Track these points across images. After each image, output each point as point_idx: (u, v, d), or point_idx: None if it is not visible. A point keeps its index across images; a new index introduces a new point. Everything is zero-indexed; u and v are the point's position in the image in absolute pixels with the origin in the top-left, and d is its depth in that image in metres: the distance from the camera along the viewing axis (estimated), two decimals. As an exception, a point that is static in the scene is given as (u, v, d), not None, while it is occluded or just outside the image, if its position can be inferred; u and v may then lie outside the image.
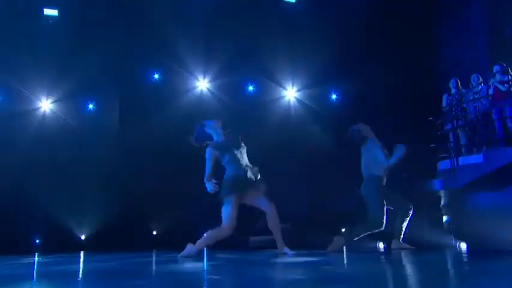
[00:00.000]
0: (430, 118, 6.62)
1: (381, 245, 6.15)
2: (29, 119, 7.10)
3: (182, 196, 6.81)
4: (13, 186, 6.61)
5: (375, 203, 4.73)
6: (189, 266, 3.27)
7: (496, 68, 6.15)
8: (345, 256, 4.14)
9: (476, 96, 6.31)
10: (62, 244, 6.45)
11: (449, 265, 2.88)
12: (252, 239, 6.29)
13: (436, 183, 6.29)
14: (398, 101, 7.00)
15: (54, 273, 2.94)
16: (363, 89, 7.02)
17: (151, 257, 4.71)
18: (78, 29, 6.83)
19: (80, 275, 2.78)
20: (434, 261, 3.30)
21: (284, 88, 7.62)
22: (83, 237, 7.18)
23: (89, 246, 6.80)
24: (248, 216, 6.33)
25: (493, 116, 6.09)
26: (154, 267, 3.35)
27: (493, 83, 6.16)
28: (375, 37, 6.93)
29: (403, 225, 5.06)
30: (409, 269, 2.57)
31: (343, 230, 7.07)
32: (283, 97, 7.66)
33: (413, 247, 4.88)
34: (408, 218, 5.06)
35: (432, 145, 6.61)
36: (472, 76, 6.41)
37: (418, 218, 5.86)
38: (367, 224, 4.88)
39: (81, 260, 4.55)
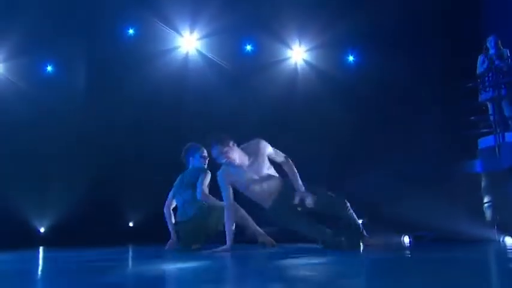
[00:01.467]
0: (470, 85, 6.09)
1: (406, 239, 5.60)
2: None
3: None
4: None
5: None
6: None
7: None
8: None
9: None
10: (16, 238, 5.99)
11: (487, 265, 2.71)
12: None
13: (475, 165, 5.85)
14: (428, 63, 6.49)
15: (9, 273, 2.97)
16: (386, 48, 6.44)
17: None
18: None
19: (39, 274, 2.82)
20: (469, 259, 3.03)
21: (289, 47, 6.97)
22: (42, 229, 6.71)
23: (49, 241, 6.33)
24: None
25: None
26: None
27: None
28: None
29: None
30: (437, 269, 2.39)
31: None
32: (288, 58, 7.00)
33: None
34: None
35: (472, 117, 6.11)
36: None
37: (455, 207, 5.45)
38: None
39: (40, 256, 4.51)
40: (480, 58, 6.00)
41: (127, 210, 6.77)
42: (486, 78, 5.91)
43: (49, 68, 6.73)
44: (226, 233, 3.83)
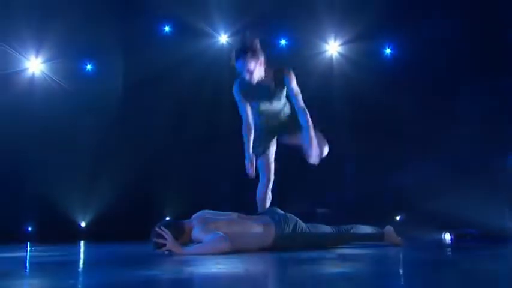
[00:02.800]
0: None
1: (448, 236, 5.40)
2: (14, 82, 6.43)
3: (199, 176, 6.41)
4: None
5: None
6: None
7: None
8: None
9: None
10: (57, 232, 6.07)
11: None
12: (320, 211, 6.17)
13: None
14: (470, 56, 6.19)
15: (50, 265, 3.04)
16: (425, 40, 6.24)
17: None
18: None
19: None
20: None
21: (325, 42, 6.78)
22: (83, 224, 6.71)
23: (90, 235, 6.39)
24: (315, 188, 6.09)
25: None
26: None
27: None
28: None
29: None
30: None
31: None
32: (323, 52, 6.80)
33: None
34: None
35: None
36: None
37: (498, 204, 5.35)
38: None
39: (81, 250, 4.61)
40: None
41: (166, 205, 6.61)
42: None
43: (88, 67, 6.69)
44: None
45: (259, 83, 3.73)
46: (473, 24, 6.14)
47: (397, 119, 6.29)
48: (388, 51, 6.79)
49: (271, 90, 3.81)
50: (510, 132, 5.91)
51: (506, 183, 5.57)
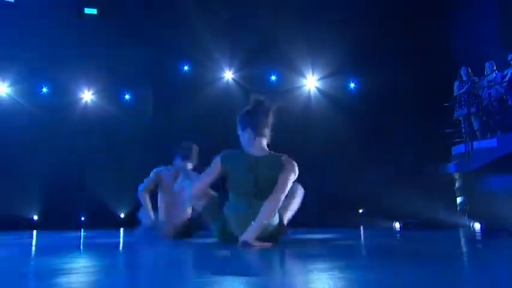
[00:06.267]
0: (446, 104, 6.52)
1: (397, 225, 6.13)
2: (72, 109, 7.37)
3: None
4: (65, 170, 6.89)
5: None
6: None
7: (510, 57, 5.98)
8: (361, 233, 4.08)
9: (491, 84, 6.17)
10: (103, 221, 6.64)
11: (463, 243, 2.86)
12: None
13: (450, 167, 6.23)
14: (413, 89, 6.86)
15: (97, 246, 3.11)
16: (379, 78, 6.83)
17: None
18: (117, 26, 6.95)
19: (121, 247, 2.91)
20: (448, 239, 3.27)
21: (304, 77, 7.53)
22: (122, 215, 7.36)
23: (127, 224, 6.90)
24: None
25: (509, 102, 5.93)
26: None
27: (509, 71, 5.97)
28: (390, 27, 6.74)
29: None
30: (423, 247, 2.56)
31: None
32: (303, 86, 7.58)
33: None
34: None
35: (448, 130, 6.52)
36: (487, 64, 6.34)
37: (433, 200, 5.96)
38: None
39: (121, 235, 4.61)
40: (456, 84, 6.35)
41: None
42: (462, 99, 6.26)
43: (127, 96, 7.61)
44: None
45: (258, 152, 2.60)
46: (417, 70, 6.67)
47: (358, 136, 6.80)
48: (352, 85, 7.48)
49: (254, 162, 2.61)
50: (441, 149, 6.46)
51: (439, 185, 6.17)
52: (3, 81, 7.20)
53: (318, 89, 7.48)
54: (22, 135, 6.93)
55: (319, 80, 7.46)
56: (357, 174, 6.63)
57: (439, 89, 6.59)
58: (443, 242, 3.00)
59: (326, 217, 5.86)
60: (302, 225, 4.30)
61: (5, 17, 6.67)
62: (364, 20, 6.60)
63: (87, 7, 7.15)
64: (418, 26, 6.60)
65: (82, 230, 5.96)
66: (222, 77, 7.55)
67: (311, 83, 7.46)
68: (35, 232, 5.75)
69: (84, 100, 7.49)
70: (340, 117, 7.00)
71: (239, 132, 2.66)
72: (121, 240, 3.79)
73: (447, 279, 1.27)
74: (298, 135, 6.90)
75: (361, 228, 4.92)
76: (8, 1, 6.74)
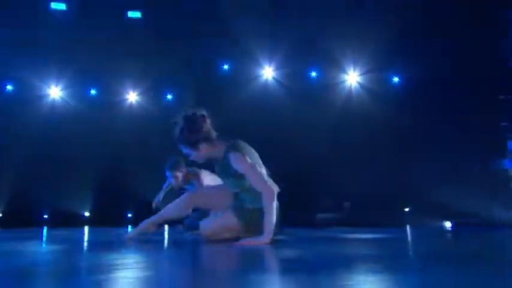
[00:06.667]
0: (502, 97, 6.16)
1: (448, 224, 5.85)
2: (118, 109, 7.67)
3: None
4: (111, 168, 7.23)
5: None
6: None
7: None
8: (408, 233, 3.91)
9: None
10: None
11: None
12: (319, 216, 6.15)
13: (506, 163, 5.93)
14: (464, 81, 6.44)
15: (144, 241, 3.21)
16: (425, 71, 6.53)
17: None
18: (159, 28, 7.11)
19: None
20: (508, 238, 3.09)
21: (346, 73, 7.29)
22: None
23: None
24: (313, 193, 6.38)
25: None
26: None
27: None
28: (438, 15, 6.40)
29: None
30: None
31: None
32: (344, 81, 7.33)
33: None
34: None
35: (503, 123, 6.16)
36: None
37: (487, 198, 5.60)
38: None
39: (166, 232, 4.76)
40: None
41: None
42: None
43: (169, 97, 7.73)
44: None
45: (213, 157, 3.00)
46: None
47: (402, 132, 6.47)
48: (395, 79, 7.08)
49: (219, 165, 2.99)
50: (500, 142, 6.10)
51: (492, 182, 5.81)
52: (56, 85, 7.56)
53: (359, 84, 7.22)
54: (73, 135, 7.28)
55: (360, 75, 7.22)
56: (403, 171, 6.36)
57: (492, 80, 6.21)
58: (504, 242, 2.87)
59: (369, 216, 5.68)
60: (347, 224, 4.52)
61: (58, 24, 6.99)
62: (410, 9, 6.26)
63: (131, 10, 7.34)
64: (469, 13, 6.18)
65: (129, 226, 6.16)
66: (262, 75, 7.47)
67: (353, 78, 7.21)
68: (86, 228, 6.01)
69: (129, 101, 7.73)
70: (384, 112, 6.74)
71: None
72: (166, 237, 3.90)
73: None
74: (339, 131, 6.76)
75: (408, 228, 4.75)
76: (61, 10, 7.07)
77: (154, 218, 3.23)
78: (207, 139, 2.94)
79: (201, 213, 4.08)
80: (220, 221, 2.98)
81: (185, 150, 2.98)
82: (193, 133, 2.93)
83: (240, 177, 2.85)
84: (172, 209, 3.11)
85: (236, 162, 2.82)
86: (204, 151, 2.95)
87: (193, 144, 2.92)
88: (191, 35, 7.05)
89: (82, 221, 7.43)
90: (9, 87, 7.48)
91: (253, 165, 2.80)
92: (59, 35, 6.94)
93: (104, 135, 7.18)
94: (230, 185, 2.96)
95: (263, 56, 7.35)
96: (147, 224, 3.25)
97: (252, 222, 2.82)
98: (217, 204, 3.06)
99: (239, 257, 2.20)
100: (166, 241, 3.44)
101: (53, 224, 7.15)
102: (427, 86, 6.50)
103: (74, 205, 7.46)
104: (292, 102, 7.08)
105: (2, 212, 7.54)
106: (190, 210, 3.20)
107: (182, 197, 3.11)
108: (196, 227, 3.66)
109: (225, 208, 2.99)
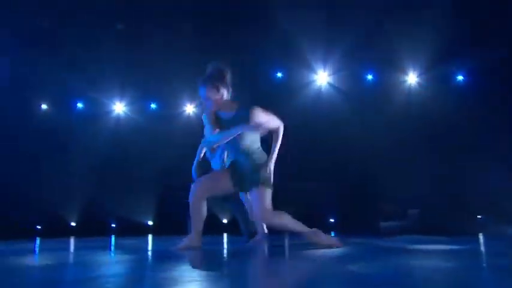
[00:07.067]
0: None
1: None
2: (176, 121, 7.97)
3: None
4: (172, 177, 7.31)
5: None
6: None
7: None
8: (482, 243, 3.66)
9: None
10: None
11: None
12: (383, 224, 6.02)
13: None
14: None
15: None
16: (490, 65, 6.17)
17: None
18: (211, 39, 7.18)
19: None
20: None
21: (405, 73, 7.01)
22: (224, 220, 7.74)
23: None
24: (377, 200, 6.21)
25: None
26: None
27: None
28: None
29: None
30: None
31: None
32: (404, 82, 7.06)
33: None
34: None
35: None
36: None
37: None
38: None
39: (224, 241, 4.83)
40: None
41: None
42: None
43: None
44: None
45: (220, 112, 3.37)
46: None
47: (474, 135, 6.14)
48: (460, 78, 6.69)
49: (228, 119, 3.34)
50: None
51: None
52: (121, 101, 8.01)
53: (418, 83, 6.93)
54: (136, 147, 7.66)
55: (420, 75, 6.92)
56: (475, 176, 5.98)
57: None
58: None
59: (437, 223, 5.40)
60: (415, 231, 4.42)
61: (116, 43, 7.34)
62: (468, 8, 5.93)
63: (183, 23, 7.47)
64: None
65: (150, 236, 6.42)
66: (315, 80, 7.39)
67: (412, 78, 6.94)
68: (150, 237, 6.20)
69: (186, 112, 7.96)
70: (450, 112, 6.44)
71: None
72: (225, 246, 4.06)
73: None
74: (400, 134, 6.55)
75: (481, 236, 4.43)
76: (118, 28, 7.42)
77: (192, 235, 3.41)
78: (227, 88, 3.40)
79: (243, 218, 4.31)
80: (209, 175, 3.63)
81: (207, 92, 3.35)
82: (219, 76, 3.38)
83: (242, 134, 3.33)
84: (195, 212, 3.33)
85: (258, 114, 3.31)
86: (221, 97, 3.36)
87: (217, 86, 3.35)
88: (242, 43, 7.11)
89: (146, 230, 7.73)
90: (79, 105, 8.07)
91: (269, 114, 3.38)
92: (121, 55, 7.29)
93: (164, 146, 7.49)
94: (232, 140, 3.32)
95: (316, 60, 7.31)
96: (193, 239, 3.42)
97: (244, 173, 3.39)
98: (221, 184, 3.42)
99: (302, 271, 2.24)
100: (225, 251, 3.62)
101: (119, 232, 7.53)
102: (495, 85, 6.21)
103: (138, 214, 7.78)
104: (348, 107, 7.03)
105: (76, 222, 8.01)
106: (205, 203, 3.36)
107: (191, 197, 3.36)
108: (255, 232, 4.00)
109: (230, 186, 3.41)
